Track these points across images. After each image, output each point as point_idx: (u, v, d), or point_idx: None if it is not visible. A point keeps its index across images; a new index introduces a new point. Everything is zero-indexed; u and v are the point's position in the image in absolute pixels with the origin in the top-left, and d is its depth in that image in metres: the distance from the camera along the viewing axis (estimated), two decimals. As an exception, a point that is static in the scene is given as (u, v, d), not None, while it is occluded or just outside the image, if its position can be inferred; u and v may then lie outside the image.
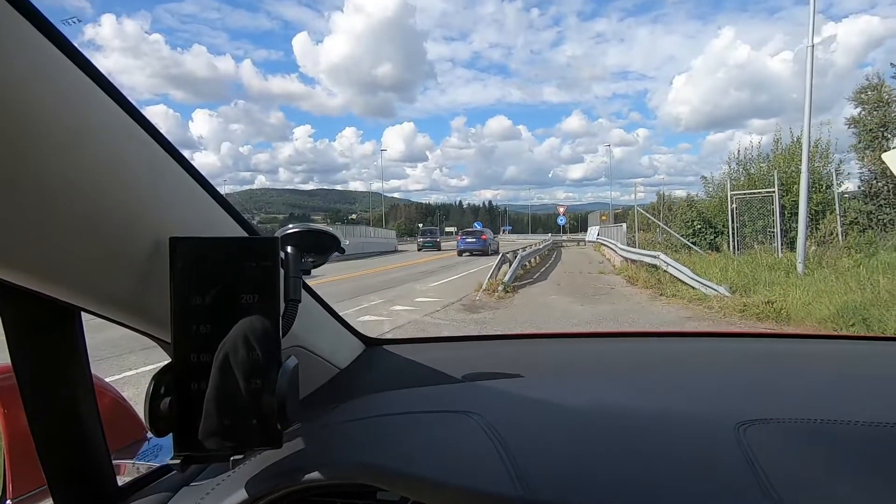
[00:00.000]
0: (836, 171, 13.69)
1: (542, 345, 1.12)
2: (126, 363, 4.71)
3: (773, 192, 12.64)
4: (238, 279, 0.45)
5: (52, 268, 0.40)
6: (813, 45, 9.23)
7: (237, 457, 0.45)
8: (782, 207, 12.66)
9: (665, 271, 10.07)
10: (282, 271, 0.56)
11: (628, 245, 15.96)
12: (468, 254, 19.19)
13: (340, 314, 0.88)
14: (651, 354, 1.00)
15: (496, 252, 17.60)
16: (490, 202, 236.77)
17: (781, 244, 12.25)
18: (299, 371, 0.49)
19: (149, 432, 0.46)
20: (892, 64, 14.98)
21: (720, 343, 1.10)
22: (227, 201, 0.56)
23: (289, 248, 0.56)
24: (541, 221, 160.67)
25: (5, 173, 0.33)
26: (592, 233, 29.70)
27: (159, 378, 0.44)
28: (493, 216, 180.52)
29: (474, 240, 22.45)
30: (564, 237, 43.04)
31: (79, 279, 0.42)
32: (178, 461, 0.44)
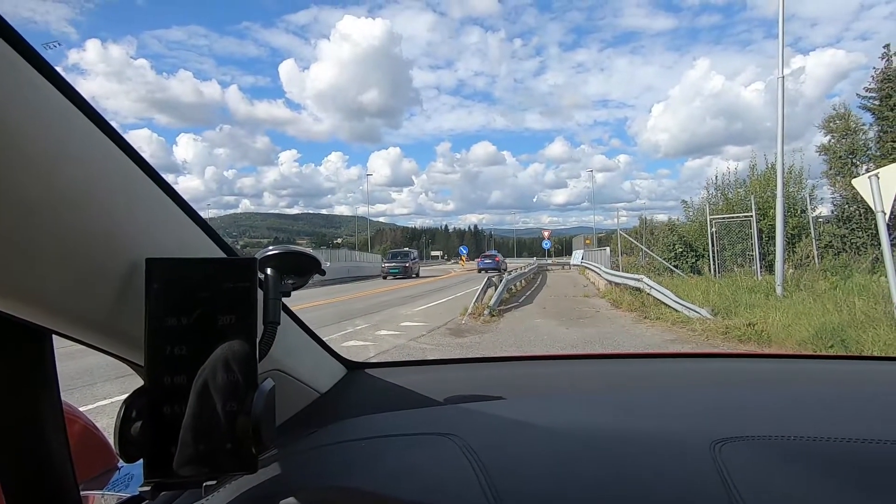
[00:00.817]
0: (809, 196, 14.14)
1: (523, 367, 1.12)
2: (101, 392, 4.55)
3: (751, 216, 12.97)
4: (215, 300, 0.45)
5: (26, 289, 0.39)
6: (783, 77, 9.65)
7: (210, 483, 0.44)
8: (760, 231, 12.97)
9: (648, 294, 10.17)
10: (261, 293, 0.56)
11: (612, 268, 16.13)
12: (486, 271, 23.82)
13: (324, 339, 0.87)
14: (630, 375, 1.01)
15: (506, 269, 22.91)
16: (475, 226, 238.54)
17: (760, 267, 12.51)
18: (278, 395, 0.48)
19: (120, 461, 0.45)
20: (857, 94, 15.74)
21: (698, 364, 1.11)
22: (206, 223, 0.56)
23: (269, 270, 0.56)
24: (526, 245, 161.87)
25: None
26: (577, 256, 30.13)
27: (131, 401, 0.43)
28: (478, 240, 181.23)
29: (490, 261, 32.21)
30: (549, 261, 43.47)
31: (53, 300, 0.42)
32: (147, 488, 0.43)
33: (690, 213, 17.78)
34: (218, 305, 0.44)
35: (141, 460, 0.44)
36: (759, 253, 12.70)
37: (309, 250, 0.60)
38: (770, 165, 14.80)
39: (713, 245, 13.86)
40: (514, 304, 11.83)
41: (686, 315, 8.36)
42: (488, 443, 0.59)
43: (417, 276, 28.53)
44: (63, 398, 0.75)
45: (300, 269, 0.60)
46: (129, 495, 0.67)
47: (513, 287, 14.57)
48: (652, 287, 10.12)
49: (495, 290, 11.20)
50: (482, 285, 11.26)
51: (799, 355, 1.35)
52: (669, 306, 9.05)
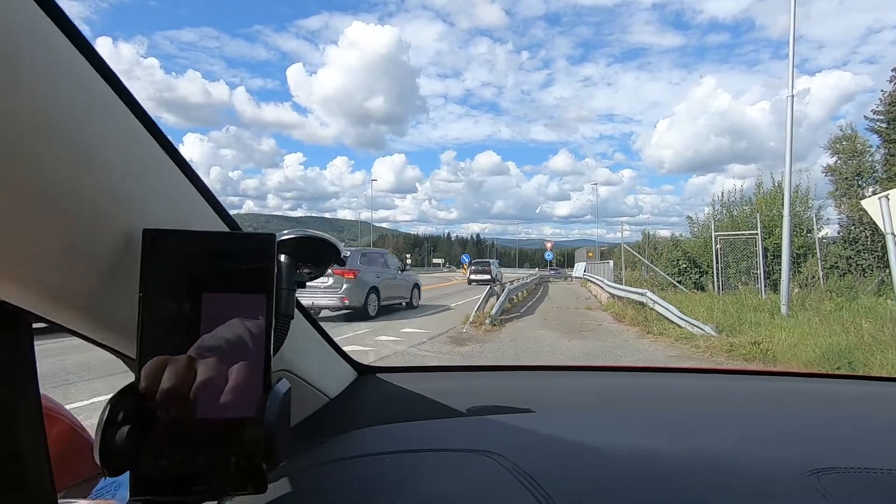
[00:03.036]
0: (815, 216, 14.07)
1: (544, 377, 1.05)
2: (99, 387, 4.46)
3: (757, 234, 12.89)
4: (225, 282, 0.37)
5: (4, 261, 0.33)
6: (793, 96, 9.63)
7: None
8: (765, 250, 12.88)
9: (652, 309, 10.06)
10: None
11: (615, 282, 16.02)
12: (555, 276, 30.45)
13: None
14: (666, 392, 0.93)
15: (563, 276, 30.35)
16: (478, 235, 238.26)
17: (765, 285, 12.40)
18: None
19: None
20: (865, 117, 15.74)
21: (741, 382, 1.03)
22: (213, 195, 0.49)
23: (282, 257, 0.50)
24: (528, 256, 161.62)
25: None
26: (579, 269, 30.14)
27: (117, 401, 0.35)
28: (480, 249, 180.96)
29: (556, 271, 47.65)
30: (551, 272, 43.42)
31: (33, 276, 0.35)
32: None
33: (695, 229, 17.73)
34: (229, 289, 0.37)
35: (127, 473, 0.36)
36: (764, 271, 12.61)
37: (330, 237, 0.53)
38: (777, 184, 14.76)
39: (717, 262, 13.77)
40: (516, 315, 11.72)
41: (690, 331, 8.26)
42: (536, 462, 0.51)
43: None
44: (48, 393, 0.68)
45: (318, 258, 0.53)
46: None
47: (514, 297, 14.47)
48: (656, 302, 10.02)
49: (497, 299, 11.11)
50: (484, 294, 11.17)
51: (839, 376, 1.28)
52: (673, 322, 8.94)
